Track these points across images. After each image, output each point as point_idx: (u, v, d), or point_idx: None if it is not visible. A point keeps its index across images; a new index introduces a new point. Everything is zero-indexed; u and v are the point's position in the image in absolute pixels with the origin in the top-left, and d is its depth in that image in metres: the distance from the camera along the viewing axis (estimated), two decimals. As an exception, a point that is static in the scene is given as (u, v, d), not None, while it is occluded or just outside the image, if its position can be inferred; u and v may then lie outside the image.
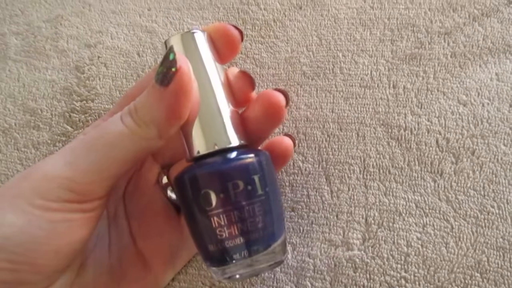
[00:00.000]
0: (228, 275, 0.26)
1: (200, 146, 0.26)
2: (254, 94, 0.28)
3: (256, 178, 0.25)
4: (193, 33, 0.26)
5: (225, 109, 0.26)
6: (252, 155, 0.25)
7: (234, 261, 0.25)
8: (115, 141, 0.24)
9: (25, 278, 0.23)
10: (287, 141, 0.29)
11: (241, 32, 0.28)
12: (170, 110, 0.24)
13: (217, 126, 0.26)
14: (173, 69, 0.23)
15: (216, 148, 0.25)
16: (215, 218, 0.24)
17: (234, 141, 0.26)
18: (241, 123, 0.27)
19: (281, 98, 0.27)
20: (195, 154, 0.26)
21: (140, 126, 0.24)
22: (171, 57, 0.24)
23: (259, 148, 0.29)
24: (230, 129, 0.26)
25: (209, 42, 0.27)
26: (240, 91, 0.28)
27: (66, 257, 0.24)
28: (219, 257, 0.25)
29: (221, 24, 0.28)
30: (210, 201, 0.24)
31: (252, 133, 0.28)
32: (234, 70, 0.28)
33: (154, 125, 0.24)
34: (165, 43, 0.27)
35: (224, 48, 0.27)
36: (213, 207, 0.24)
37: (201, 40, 0.27)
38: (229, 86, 0.27)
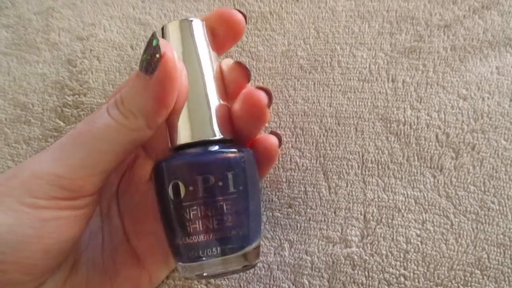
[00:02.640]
0: (195, 273, 0.25)
1: (182, 136, 0.25)
2: (249, 86, 0.27)
3: (229, 174, 0.24)
4: (191, 21, 0.26)
5: (214, 101, 0.25)
6: (232, 150, 0.25)
7: (200, 258, 0.24)
8: (103, 135, 0.24)
9: (13, 278, 0.22)
10: (272, 139, 0.27)
11: (244, 16, 0.27)
12: (156, 99, 0.23)
13: (203, 118, 0.25)
14: (157, 56, 0.23)
15: (198, 139, 0.25)
16: (182, 211, 0.24)
17: (218, 134, 0.25)
18: (229, 118, 0.26)
19: (262, 97, 0.26)
20: (176, 144, 0.25)
21: (127, 117, 0.24)
22: (154, 43, 0.23)
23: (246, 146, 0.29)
24: (215, 122, 0.25)
25: (207, 32, 0.26)
26: (234, 83, 0.27)
27: (56, 256, 0.24)
28: (185, 252, 0.24)
29: (224, 8, 0.27)
30: (179, 193, 0.24)
31: (238, 131, 0.27)
32: (229, 61, 0.27)
33: (141, 115, 0.24)
34: (162, 29, 0.26)
35: (227, 34, 0.27)
36: (181, 199, 0.24)
37: (198, 29, 0.26)
38: (222, 78, 0.27)
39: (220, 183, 0.24)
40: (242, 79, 0.27)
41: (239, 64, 0.27)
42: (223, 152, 0.24)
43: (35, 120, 0.35)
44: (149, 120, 0.24)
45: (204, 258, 0.24)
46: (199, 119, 0.25)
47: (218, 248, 0.24)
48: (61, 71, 0.36)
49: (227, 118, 0.26)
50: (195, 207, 0.23)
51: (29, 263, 0.23)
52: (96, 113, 0.24)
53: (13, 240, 0.22)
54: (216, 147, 0.25)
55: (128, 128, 0.24)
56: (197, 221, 0.24)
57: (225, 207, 0.24)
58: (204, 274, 0.25)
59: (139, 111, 0.24)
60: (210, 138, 0.25)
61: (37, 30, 0.38)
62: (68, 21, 0.38)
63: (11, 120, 0.35)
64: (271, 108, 0.27)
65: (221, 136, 0.25)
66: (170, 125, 0.25)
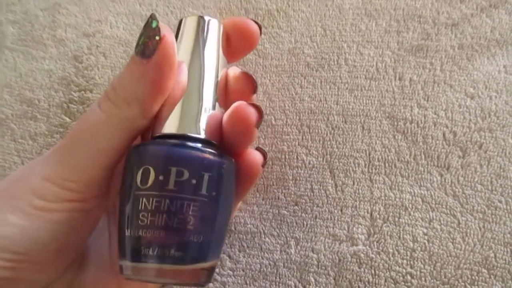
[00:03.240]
0: (136, 275, 0.22)
1: (167, 126, 0.24)
2: (254, 97, 0.26)
3: (206, 175, 0.22)
4: (209, 20, 0.25)
5: (208, 103, 0.24)
6: (213, 152, 0.23)
7: (148, 260, 0.22)
8: (97, 131, 0.23)
9: (25, 276, 0.22)
10: (255, 156, 0.26)
11: (260, 27, 0.26)
12: (153, 84, 0.22)
13: (192, 114, 0.24)
14: (157, 38, 0.22)
15: (181, 132, 0.23)
16: (144, 200, 0.22)
17: (203, 135, 0.24)
18: (220, 126, 0.25)
19: (251, 115, 0.24)
20: (159, 133, 0.24)
21: (120, 107, 0.23)
22: (153, 25, 0.22)
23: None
24: (203, 122, 0.24)
25: (222, 35, 0.26)
26: (238, 92, 0.26)
27: (69, 256, 0.24)
28: (134, 247, 0.22)
29: (240, 18, 0.26)
30: (147, 180, 0.22)
31: (225, 141, 0.25)
32: (236, 69, 0.26)
33: (136, 103, 0.23)
34: (180, 21, 0.26)
35: (241, 43, 0.26)
36: (147, 187, 0.22)
37: (213, 30, 0.26)
38: (226, 84, 0.26)
39: (194, 181, 0.22)
40: (247, 90, 0.26)
41: (246, 75, 0.26)
42: (204, 151, 0.23)
43: (41, 116, 0.35)
44: (144, 107, 0.23)
45: (151, 260, 0.22)
46: (188, 115, 0.24)
47: (171, 252, 0.22)
48: (67, 67, 0.36)
49: (218, 124, 0.25)
50: (160, 199, 0.22)
51: (41, 263, 0.23)
52: (88, 110, 0.24)
53: (25, 241, 0.22)
54: (198, 145, 0.23)
55: (121, 119, 0.23)
56: (157, 214, 0.21)
57: (191, 208, 0.22)
58: (147, 278, 0.23)
59: (133, 98, 0.23)
60: (194, 135, 0.24)
61: (43, 26, 0.38)
62: (75, 17, 0.38)
63: (18, 116, 0.35)
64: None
65: (206, 138, 0.24)
66: (159, 115, 0.24)
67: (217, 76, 0.25)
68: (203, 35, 0.25)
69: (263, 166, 0.26)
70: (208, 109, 0.24)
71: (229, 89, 0.26)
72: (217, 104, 0.25)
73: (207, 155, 0.23)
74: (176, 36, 0.25)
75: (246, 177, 0.26)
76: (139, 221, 0.22)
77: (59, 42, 0.37)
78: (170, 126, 0.24)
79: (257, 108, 0.24)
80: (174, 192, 0.22)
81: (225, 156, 0.24)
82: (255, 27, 0.26)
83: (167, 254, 0.21)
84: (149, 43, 0.22)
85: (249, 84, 0.26)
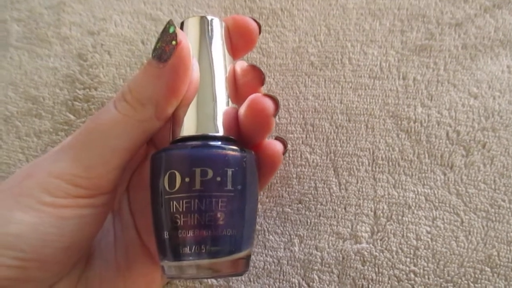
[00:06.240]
0: (181, 273, 0.23)
1: (185, 129, 0.24)
2: (262, 89, 0.27)
3: (229, 171, 0.23)
4: (211, 19, 0.26)
5: (222, 100, 0.25)
6: (234, 148, 0.24)
7: (187, 257, 0.23)
8: (111, 130, 0.23)
9: (33, 275, 0.22)
10: (276, 146, 0.27)
11: (259, 26, 0.27)
12: (169, 87, 0.23)
13: (208, 113, 0.24)
14: (173, 43, 0.23)
15: (200, 133, 0.24)
16: (175, 203, 0.23)
17: (222, 132, 0.24)
18: (236, 120, 0.26)
19: (268, 105, 0.25)
20: (178, 136, 0.25)
21: (135, 108, 0.23)
22: (171, 30, 0.23)
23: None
24: (220, 119, 0.25)
25: (225, 33, 0.26)
26: (247, 86, 0.26)
27: (76, 254, 0.24)
28: (172, 248, 0.23)
29: (240, 16, 0.27)
30: (174, 183, 0.23)
31: (243, 134, 0.26)
32: (243, 64, 0.27)
33: (151, 105, 0.23)
34: (182, 23, 0.26)
35: (240, 41, 0.27)
36: (175, 190, 0.23)
37: (216, 28, 0.26)
38: (235, 79, 0.26)
39: (218, 179, 0.23)
40: (255, 82, 0.26)
41: (253, 67, 0.26)
42: (224, 148, 0.24)
43: (46, 113, 0.35)
44: (158, 109, 0.23)
45: (191, 258, 0.23)
46: (205, 115, 0.25)
47: (207, 248, 0.23)
48: (72, 65, 0.36)
49: (234, 120, 0.25)
50: (189, 200, 0.23)
51: (49, 261, 0.23)
52: (103, 109, 0.24)
53: (34, 239, 0.22)
54: (218, 143, 0.24)
55: (136, 120, 0.23)
56: (189, 215, 0.22)
57: (220, 204, 0.23)
58: (189, 275, 0.24)
59: (148, 100, 0.23)
60: (213, 134, 0.24)
61: (48, 24, 0.38)
62: (80, 15, 0.38)
63: (22, 114, 0.35)
64: (277, 116, 0.26)
65: (225, 134, 0.25)
66: (175, 118, 0.25)
67: (226, 73, 0.26)
68: (208, 34, 0.26)
69: (283, 154, 0.27)
70: (222, 106, 0.25)
71: (238, 83, 0.26)
72: (229, 100, 0.25)
73: (228, 152, 0.23)
74: None
75: (268, 167, 0.27)
76: (174, 223, 0.23)
77: (64, 40, 0.37)
78: (188, 128, 0.24)
79: (273, 98, 0.25)
80: (201, 192, 0.23)
81: (245, 150, 0.24)
82: (254, 25, 0.26)
83: (204, 250, 0.23)
84: (166, 48, 0.23)
85: (257, 76, 0.26)
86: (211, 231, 0.23)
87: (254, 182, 0.25)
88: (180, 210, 0.23)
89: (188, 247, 0.23)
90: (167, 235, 0.23)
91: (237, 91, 0.26)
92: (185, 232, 0.23)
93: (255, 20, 0.27)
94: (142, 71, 0.24)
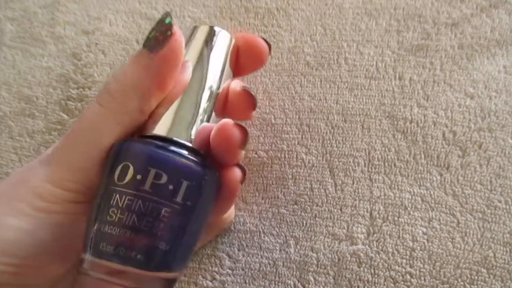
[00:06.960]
0: (94, 271, 0.21)
1: (157, 128, 0.23)
2: (253, 114, 0.26)
3: (185, 183, 0.22)
4: (219, 31, 0.25)
5: (205, 111, 0.24)
6: (198, 161, 0.22)
7: (108, 256, 0.21)
8: (93, 125, 0.23)
9: (27, 281, 0.22)
10: (234, 173, 0.25)
11: (269, 46, 0.26)
12: (156, 78, 0.22)
13: (186, 121, 0.24)
14: (168, 33, 0.22)
15: (171, 137, 0.23)
16: (117, 196, 0.21)
17: (192, 143, 0.23)
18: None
19: (234, 136, 0.24)
20: (149, 132, 0.24)
21: (118, 100, 0.23)
22: (167, 21, 0.22)
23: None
24: (195, 130, 0.24)
25: (233, 49, 0.26)
26: (237, 108, 0.26)
27: (70, 258, 0.24)
28: (98, 242, 0.21)
29: (251, 35, 0.26)
30: (125, 176, 0.21)
31: (212, 155, 0.24)
32: (238, 84, 0.26)
33: (135, 95, 0.23)
34: (193, 29, 0.26)
35: (249, 60, 0.26)
36: (123, 183, 0.21)
37: (222, 41, 0.26)
38: (226, 98, 0.26)
39: (171, 187, 0.21)
40: (246, 107, 0.25)
41: (246, 93, 0.25)
42: (188, 158, 0.22)
43: (39, 113, 0.35)
44: (142, 101, 0.23)
45: (114, 259, 0.21)
46: (182, 120, 0.24)
47: (135, 254, 0.21)
48: (66, 65, 0.36)
49: (209, 135, 0.24)
50: (133, 198, 0.21)
51: (44, 267, 0.22)
52: (86, 108, 0.24)
53: (29, 245, 0.22)
54: (184, 152, 0.23)
55: (118, 112, 0.23)
56: (126, 213, 0.21)
57: (162, 213, 0.21)
58: (104, 277, 0.21)
59: (133, 89, 0.23)
60: (183, 141, 0.23)
61: (42, 23, 0.38)
62: (74, 14, 0.38)
63: (15, 113, 0.35)
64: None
65: (195, 146, 0.23)
66: (152, 113, 0.24)
67: (218, 87, 0.25)
68: (210, 44, 0.25)
69: (241, 182, 0.26)
70: (203, 118, 0.24)
71: (228, 102, 0.26)
72: (214, 114, 0.25)
73: (190, 164, 0.22)
74: (186, 42, 0.25)
75: (227, 193, 0.25)
76: (108, 217, 0.21)
77: (58, 40, 0.37)
78: (161, 127, 0.23)
79: (243, 130, 0.24)
80: (148, 194, 0.21)
81: (209, 168, 0.23)
82: (265, 45, 0.26)
83: (131, 256, 0.21)
84: (159, 37, 0.22)
85: (249, 101, 0.25)
86: (145, 238, 0.21)
87: (208, 203, 0.24)
88: (120, 205, 0.21)
89: (113, 247, 0.21)
90: (96, 226, 0.21)
91: (226, 109, 0.26)
92: (116, 230, 0.21)
93: (265, 41, 0.26)
94: (130, 61, 0.23)
